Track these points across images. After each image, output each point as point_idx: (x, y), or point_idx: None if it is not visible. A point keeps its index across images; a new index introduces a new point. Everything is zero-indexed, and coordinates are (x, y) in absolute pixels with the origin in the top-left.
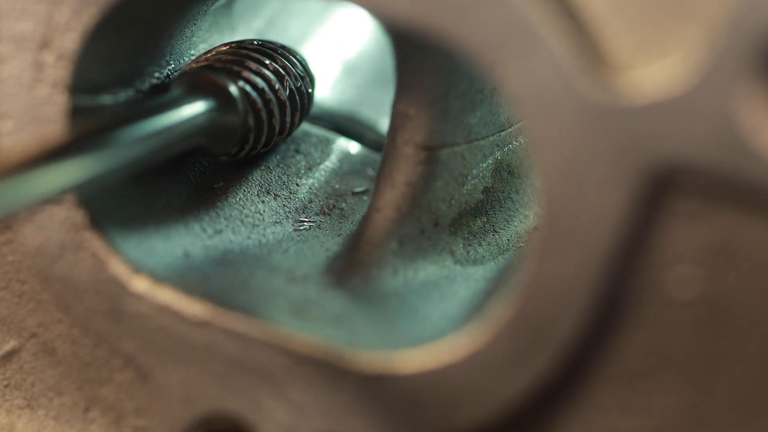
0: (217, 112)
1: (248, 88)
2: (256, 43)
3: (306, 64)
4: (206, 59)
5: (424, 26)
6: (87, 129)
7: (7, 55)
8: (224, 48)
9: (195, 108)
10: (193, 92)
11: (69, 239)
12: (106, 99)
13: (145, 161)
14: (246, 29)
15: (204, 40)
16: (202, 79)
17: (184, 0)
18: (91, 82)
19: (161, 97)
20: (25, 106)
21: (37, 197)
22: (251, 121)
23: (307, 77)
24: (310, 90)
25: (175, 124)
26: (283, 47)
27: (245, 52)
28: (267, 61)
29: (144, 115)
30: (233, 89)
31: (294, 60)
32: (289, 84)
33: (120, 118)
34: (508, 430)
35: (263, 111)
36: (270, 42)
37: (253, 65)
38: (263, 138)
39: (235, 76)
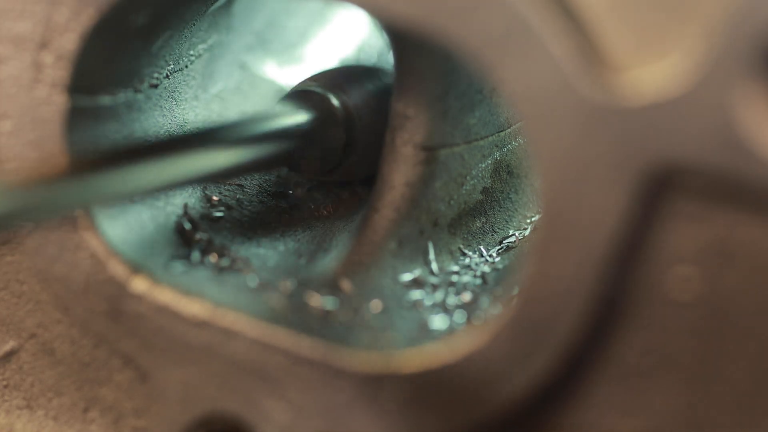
0: (317, 124)
1: (350, 104)
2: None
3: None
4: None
5: (423, 26)
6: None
7: (6, 56)
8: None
9: (296, 117)
10: (293, 102)
11: (68, 239)
12: (105, 99)
13: (241, 167)
14: (245, 29)
15: (203, 40)
16: (304, 92)
17: (184, 0)
18: (91, 83)
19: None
20: (24, 106)
21: (131, 191)
22: (351, 137)
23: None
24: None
25: (274, 131)
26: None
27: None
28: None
29: (242, 122)
30: (335, 101)
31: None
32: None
33: (218, 123)
34: (507, 430)
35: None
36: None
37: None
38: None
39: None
